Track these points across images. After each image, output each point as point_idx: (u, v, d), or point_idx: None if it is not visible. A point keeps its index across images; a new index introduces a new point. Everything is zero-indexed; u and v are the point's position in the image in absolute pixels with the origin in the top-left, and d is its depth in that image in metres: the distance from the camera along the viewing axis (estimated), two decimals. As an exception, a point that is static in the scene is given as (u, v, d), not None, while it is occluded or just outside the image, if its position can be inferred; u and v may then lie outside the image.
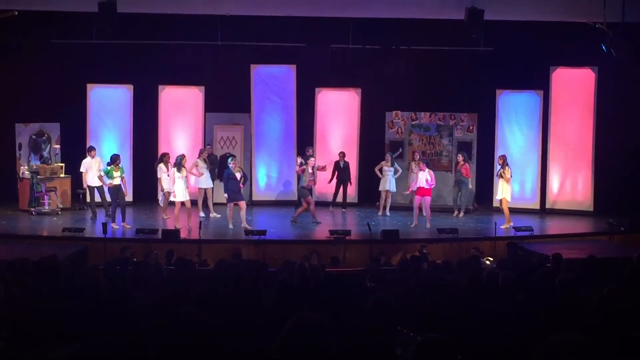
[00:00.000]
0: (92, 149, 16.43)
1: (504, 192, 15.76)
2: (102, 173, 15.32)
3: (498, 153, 17.23)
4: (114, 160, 15.19)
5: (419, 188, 15.68)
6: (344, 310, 5.69)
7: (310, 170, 15.86)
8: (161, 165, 15.85)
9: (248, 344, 4.66)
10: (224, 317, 5.45)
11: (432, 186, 15.72)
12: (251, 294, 6.60)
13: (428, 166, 15.96)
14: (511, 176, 15.91)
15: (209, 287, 7.64)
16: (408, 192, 16.53)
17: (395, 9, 15.18)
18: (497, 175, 16.17)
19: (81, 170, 16.15)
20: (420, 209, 15.88)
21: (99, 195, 16.08)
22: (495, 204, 16.97)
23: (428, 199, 15.72)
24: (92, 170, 16.08)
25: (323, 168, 16.92)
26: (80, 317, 5.66)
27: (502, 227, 15.17)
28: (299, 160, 16.30)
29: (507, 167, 15.84)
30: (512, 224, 15.30)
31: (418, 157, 17.03)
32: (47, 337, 5.33)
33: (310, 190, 15.99)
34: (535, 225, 15.39)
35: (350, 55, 17.63)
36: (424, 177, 15.62)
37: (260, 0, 14.89)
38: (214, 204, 16.62)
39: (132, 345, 4.49)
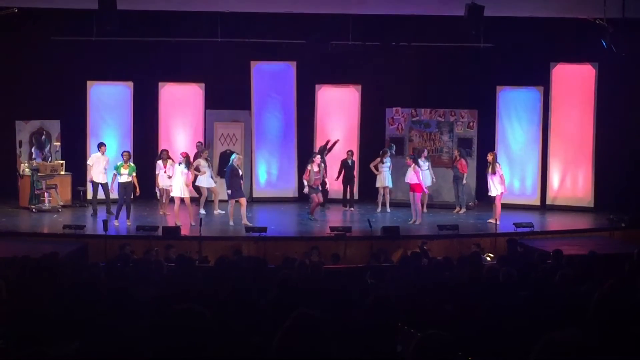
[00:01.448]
0: (102, 144, 16.44)
1: (501, 187, 15.55)
2: (114, 170, 15.40)
3: (498, 149, 17.18)
4: (123, 156, 15.26)
5: (411, 184, 15.61)
6: (344, 307, 5.68)
7: (316, 169, 15.77)
8: (159, 162, 15.83)
9: (248, 340, 4.65)
10: (224, 314, 5.45)
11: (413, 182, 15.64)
12: (251, 290, 6.59)
13: (415, 162, 15.87)
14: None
15: (209, 284, 7.65)
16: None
17: (395, 5, 15.18)
18: (492, 173, 15.43)
19: (88, 163, 16.15)
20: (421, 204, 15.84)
21: (102, 190, 16.09)
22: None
23: (419, 195, 15.67)
24: (98, 166, 16.14)
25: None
26: (81, 314, 5.66)
27: (490, 221, 15.17)
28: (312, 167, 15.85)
29: (497, 163, 15.64)
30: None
31: (425, 153, 16.94)
32: (48, 335, 5.33)
33: (319, 187, 15.87)
34: (535, 221, 15.36)
35: (350, 52, 17.60)
36: (410, 173, 15.57)
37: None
38: (219, 201, 16.58)
39: (132, 343, 4.49)
